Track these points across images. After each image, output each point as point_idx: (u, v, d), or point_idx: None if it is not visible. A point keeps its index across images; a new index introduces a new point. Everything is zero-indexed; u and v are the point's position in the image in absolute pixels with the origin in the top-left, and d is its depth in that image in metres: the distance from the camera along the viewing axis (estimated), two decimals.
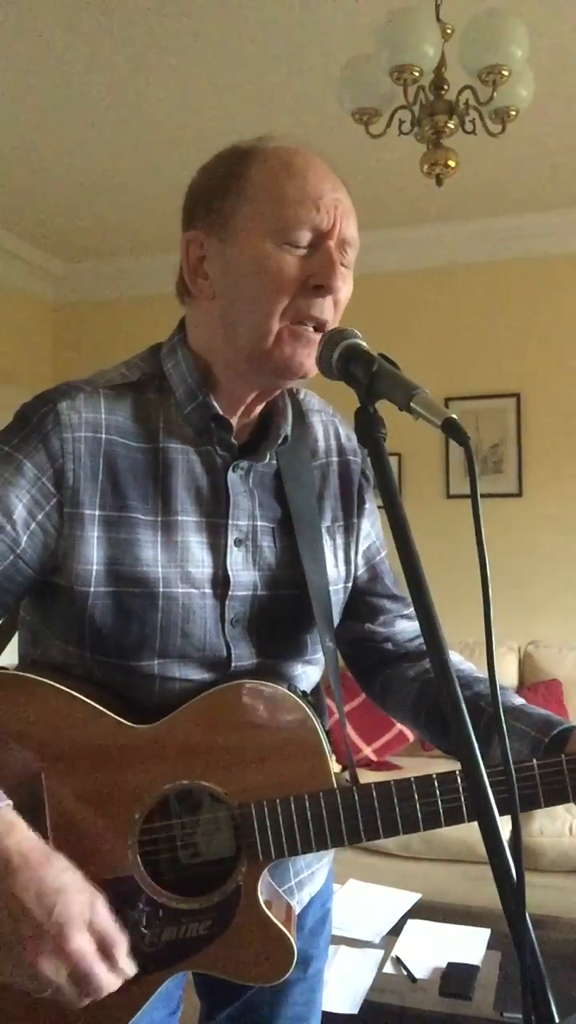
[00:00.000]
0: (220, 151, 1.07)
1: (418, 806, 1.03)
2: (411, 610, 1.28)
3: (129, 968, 0.93)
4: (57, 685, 1.03)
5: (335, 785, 1.04)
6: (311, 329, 1.02)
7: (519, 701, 1.16)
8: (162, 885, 1.04)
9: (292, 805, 1.03)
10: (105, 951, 0.91)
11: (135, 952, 1.04)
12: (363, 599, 1.24)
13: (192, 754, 1.03)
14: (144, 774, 1.02)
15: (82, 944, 0.89)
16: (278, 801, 1.03)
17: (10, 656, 1.17)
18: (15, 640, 1.20)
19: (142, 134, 3.52)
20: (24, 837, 0.92)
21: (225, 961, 1.05)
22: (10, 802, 0.94)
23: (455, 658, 1.24)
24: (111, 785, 1.02)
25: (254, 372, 1.06)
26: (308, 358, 1.03)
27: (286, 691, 1.05)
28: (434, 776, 1.03)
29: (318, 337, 1.02)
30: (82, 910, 0.90)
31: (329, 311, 1.03)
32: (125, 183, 3.95)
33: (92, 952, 0.90)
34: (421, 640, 1.27)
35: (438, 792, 1.03)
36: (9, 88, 3.17)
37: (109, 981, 0.91)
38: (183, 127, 3.38)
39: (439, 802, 1.03)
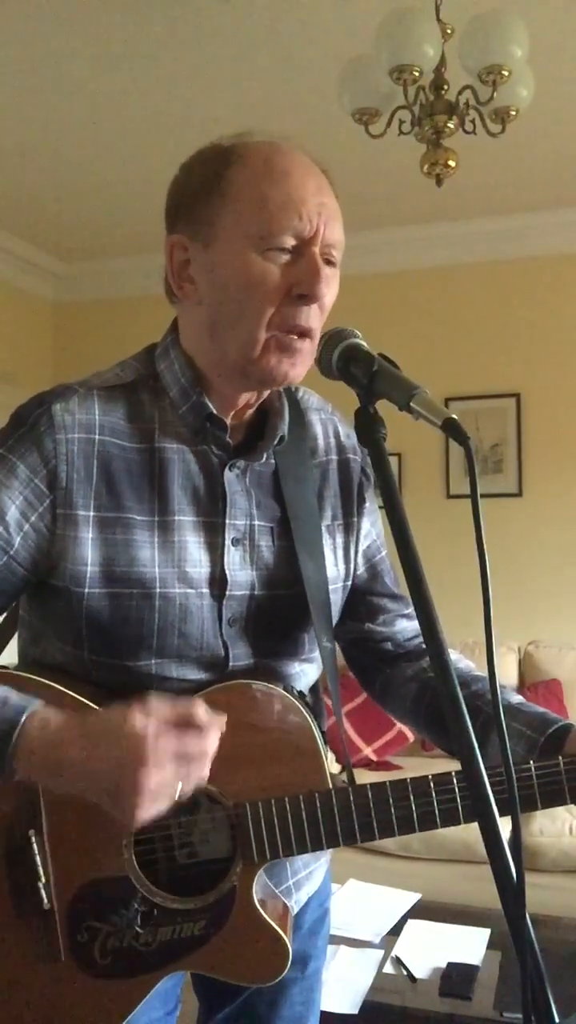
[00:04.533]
0: (202, 148, 1.06)
1: (414, 807, 1.03)
2: (411, 609, 1.28)
3: (210, 729, 0.93)
4: (54, 685, 1.04)
5: (331, 786, 1.04)
6: (297, 338, 1.02)
7: (516, 699, 1.15)
8: (158, 885, 1.04)
9: (287, 806, 1.03)
10: (182, 725, 0.92)
11: (129, 952, 1.04)
12: (363, 598, 1.24)
13: None
14: None
15: (160, 749, 0.89)
16: (273, 802, 1.02)
17: (10, 656, 1.17)
18: (14, 640, 1.20)
19: (142, 134, 3.52)
20: (56, 724, 0.94)
21: (220, 961, 1.05)
22: (37, 704, 0.96)
23: (453, 656, 1.24)
24: None
25: (240, 378, 1.06)
26: (293, 368, 1.03)
27: (282, 692, 1.05)
28: (430, 777, 1.03)
29: (304, 345, 1.03)
30: (140, 725, 0.90)
31: (315, 318, 1.02)
32: (125, 183, 3.95)
33: (172, 745, 0.90)
34: (421, 639, 1.27)
35: (434, 793, 1.03)
36: (9, 88, 3.17)
37: (203, 743, 0.92)
38: (183, 127, 3.38)
39: (435, 803, 1.03)
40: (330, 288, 1.02)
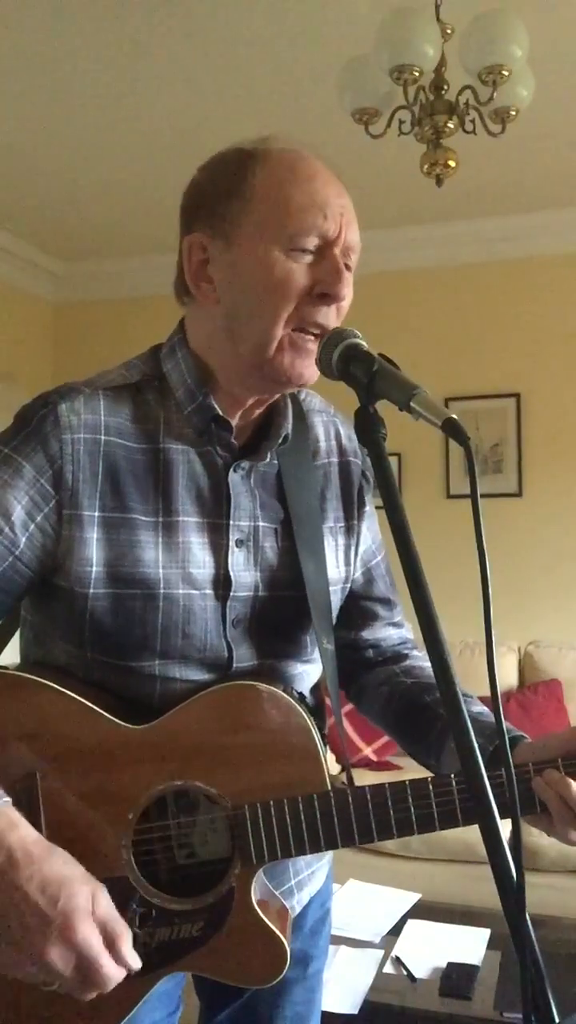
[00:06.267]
0: (222, 151, 1.07)
1: (412, 810, 1.02)
2: (400, 617, 1.29)
3: (134, 961, 0.92)
4: (54, 686, 1.03)
5: (330, 787, 1.04)
6: (312, 339, 1.02)
7: (476, 709, 1.13)
8: (157, 886, 1.04)
9: (286, 807, 1.02)
10: (109, 943, 0.90)
11: None
12: (357, 603, 1.24)
13: (186, 755, 1.03)
14: (138, 775, 1.02)
15: (88, 934, 0.88)
16: (271, 803, 1.02)
17: (11, 655, 1.17)
18: (15, 640, 1.20)
19: (142, 134, 3.52)
20: (26, 833, 0.92)
21: (218, 963, 1.05)
22: (9, 799, 0.94)
23: (419, 660, 1.25)
24: (105, 786, 1.02)
25: (254, 378, 1.06)
26: (308, 368, 1.03)
27: (280, 692, 1.05)
28: (429, 779, 1.03)
29: (317, 347, 1.03)
30: (86, 901, 0.90)
31: (333, 318, 1.03)
32: (125, 183, 3.95)
33: (98, 943, 0.89)
34: (402, 646, 1.28)
35: (433, 796, 1.02)
36: (9, 88, 3.17)
37: (114, 973, 0.90)
38: (183, 127, 3.38)
39: (434, 806, 1.02)
40: (348, 290, 1.03)
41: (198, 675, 1.07)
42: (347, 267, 1.03)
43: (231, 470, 1.09)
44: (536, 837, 3.34)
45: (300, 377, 1.04)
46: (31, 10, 2.71)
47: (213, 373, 1.08)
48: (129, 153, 3.68)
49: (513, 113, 2.48)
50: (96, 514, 1.02)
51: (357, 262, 1.06)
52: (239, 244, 1.01)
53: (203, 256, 1.05)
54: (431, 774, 1.08)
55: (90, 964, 0.88)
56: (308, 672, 1.17)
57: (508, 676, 4.10)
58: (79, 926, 0.88)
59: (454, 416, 0.81)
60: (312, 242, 1.00)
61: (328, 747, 1.13)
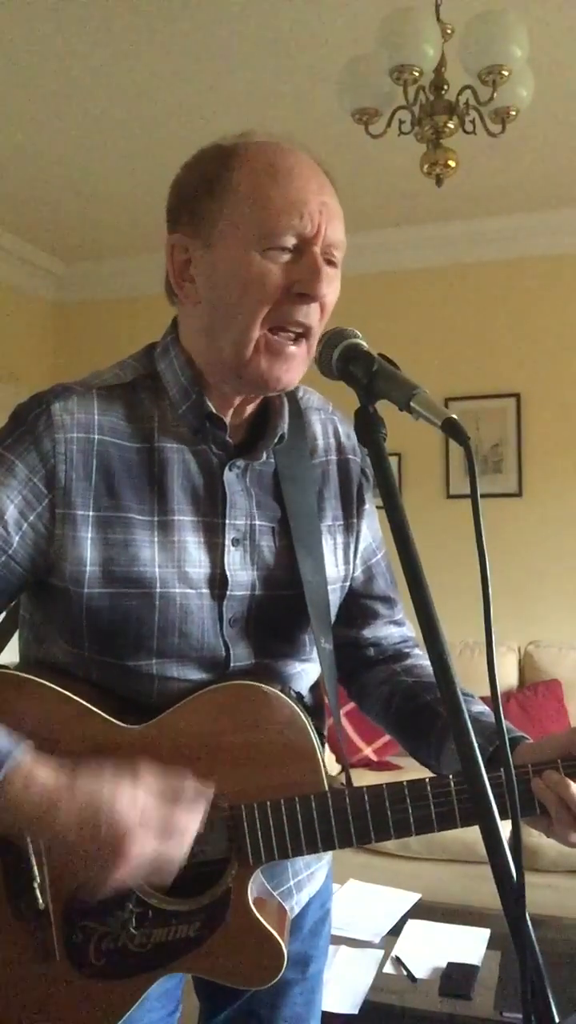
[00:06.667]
0: (203, 148, 1.06)
1: (410, 811, 1.02)
2: (401, 615, 1.28)
3: (196, 809, 0.94)
4: (52, 685, 1.03)
5: (327, 788, 1.04)
6: (291, 342, 1.02)
7: (477, 709, 1.13)
8: (154, 886, 1.03)
9: (283, 808, 1.02)
10: (167, 826, 0.92)
11: (124, 953, 1.03)
12: (357, 601, 1.24)
13: (182, 755, 1.02)
14: None
15: (141, 842, 0.90)
16: (268, 804, 1.02)
17: (11, 655, 1.17)
18: (15, 640, 1.20)
19: (142, 134, 3.52)
20: (43, 783, 0.92)
21: (215, 964, 1.05)
22: (28, 743, 0.95)
23: (420, 660, 1.24)
24: None
25: (235, 380, 1.06)
26: (286, 372, 1.03)
27: (278, 692, 1.05)
28: (427, 780, 1.03)
29: (298, 350, 1.02)
30: (127, 812, 0.90)
31: (314, 316, 1.02)
32: (125, 183, 3.95)
33: (151, 842, 0.91)
34: (403, 644, 1.28)
35: (431, 797, 1.02)
36: (9, 89, 3.17)
37: (179, 849, 0.93)
38: (183, 127, 3.38)
39: (431, 807, 1.02)
40: (331, 288, 1.02)
41: (196, 674, 1.07)
42: (331, 263, 1.02)
43: (226, 468, 1.08)
44: (536, 837, 3.34)
45: (278, 381, 1.03)
46: (32, 10, 2.71)
47: (202, 372, 1.08)
48: (129, 153, 3.68)
49: (513, 113, 2.48)
50: (90, 513, 1.02)
51: (342, 258, 1.04)
52: (217, 244, 1.01)
53: (185, 256, 1.04)
54: (431, 774, 1.07)
55: (161, 859, 0.92)
56: (306, 671, 1.17)
57: (508, 676, 4.10)
58: (129, 845, 0.89)
59: (454, 416, 0.81)
60: (289, 241, 0.99)
61: (327, 747, 1.12)
